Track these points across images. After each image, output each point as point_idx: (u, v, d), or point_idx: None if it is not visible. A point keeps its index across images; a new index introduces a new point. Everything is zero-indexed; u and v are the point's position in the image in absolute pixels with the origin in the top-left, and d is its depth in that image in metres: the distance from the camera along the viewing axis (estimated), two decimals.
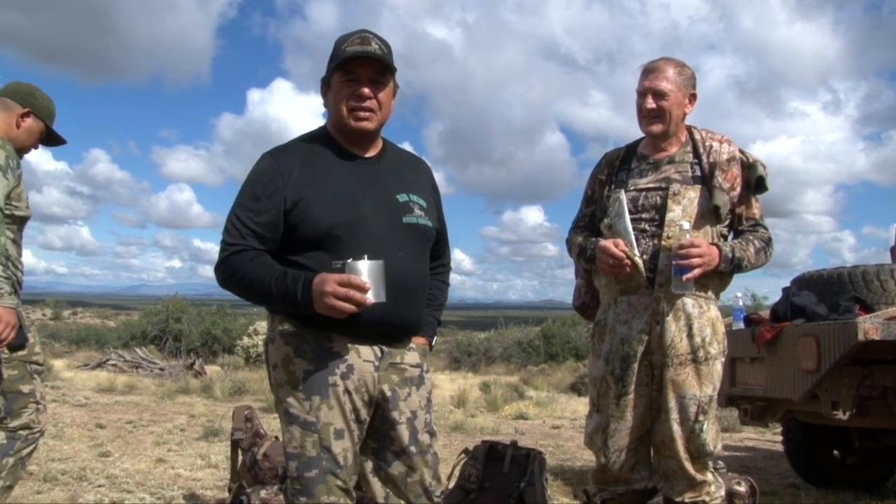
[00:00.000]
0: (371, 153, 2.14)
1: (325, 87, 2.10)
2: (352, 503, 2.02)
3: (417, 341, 2.19)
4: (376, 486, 2.11)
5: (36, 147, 3.08)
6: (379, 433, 2.09)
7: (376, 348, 2.05)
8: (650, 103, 2.63)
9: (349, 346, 2.01)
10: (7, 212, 2.73)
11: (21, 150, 2.97)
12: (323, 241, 1.99)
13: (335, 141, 2.11)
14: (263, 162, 2.06)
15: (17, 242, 2.89)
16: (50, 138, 3.10)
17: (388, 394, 2.07)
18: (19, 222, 2.91)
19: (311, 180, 2.02)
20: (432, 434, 2.17)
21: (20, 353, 2.86)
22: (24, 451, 2.92)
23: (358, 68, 2.02)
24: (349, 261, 1.87)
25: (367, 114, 2.04)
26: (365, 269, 1.86)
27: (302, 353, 2.00)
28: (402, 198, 2.11)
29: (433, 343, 2.30)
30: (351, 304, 1.85)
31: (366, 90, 2.02)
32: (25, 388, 2.88)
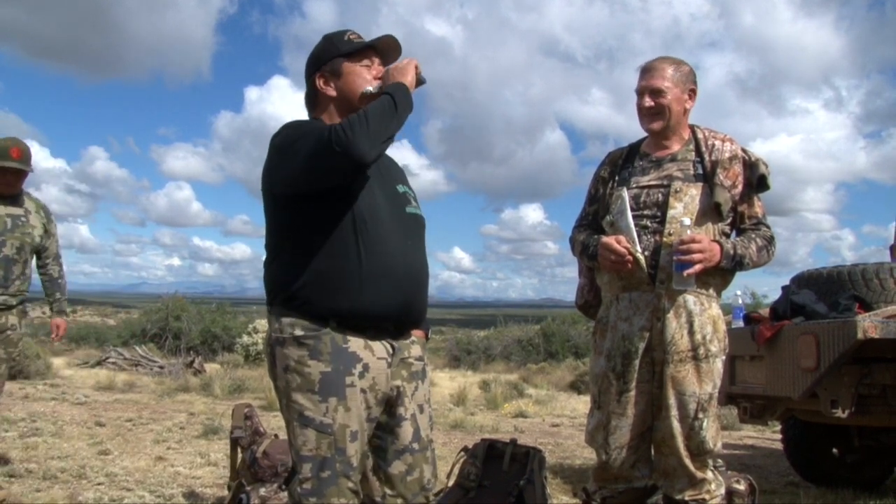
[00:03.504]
0: None
1: (334, 78, 2.11)
2: (358, 502, 2.02)
3: (416, 333, 2.20)
4: (374, 484, 2.11)
5: (11, 185, 3.87)
6: (384, 430, 2.10)
7: (387, 345, 2.06)
8: (648, 101, 2.66)
9: (364, 344, 2.01)
10: None
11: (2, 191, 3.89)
12: (347, 220, 1.97)
13: None
14: (295, 122, 2.06)
15: None
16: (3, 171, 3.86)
17: (400, 390, 2.09)
18: None
19: None
20: (432, 427, 2.20)
21: None
22: None
23: (372, 54, 2.14)
24: None
25: None
26: None
27: (317, 355, 1.97)
28: (400, 188, 2.14)
29: (429, 335, 2.32)
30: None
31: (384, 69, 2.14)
32: None
